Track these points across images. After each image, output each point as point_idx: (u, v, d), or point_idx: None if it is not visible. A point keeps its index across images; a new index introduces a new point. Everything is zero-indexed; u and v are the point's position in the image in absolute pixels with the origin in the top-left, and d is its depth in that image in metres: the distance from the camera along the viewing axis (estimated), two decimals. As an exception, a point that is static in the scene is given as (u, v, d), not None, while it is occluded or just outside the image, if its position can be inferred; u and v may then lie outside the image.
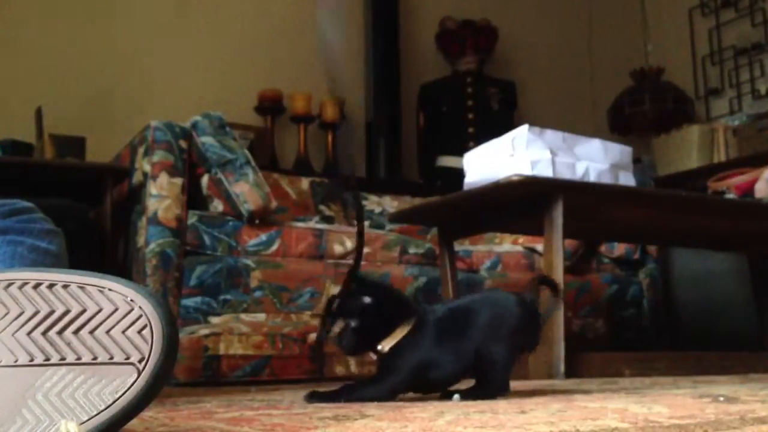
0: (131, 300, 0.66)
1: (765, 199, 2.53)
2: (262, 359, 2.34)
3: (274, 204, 2.48)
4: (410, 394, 1.30)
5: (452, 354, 1.23)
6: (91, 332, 0.66)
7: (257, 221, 2.45)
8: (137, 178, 2.47)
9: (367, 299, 1.23)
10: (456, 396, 1.24)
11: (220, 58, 3.69)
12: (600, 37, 4.80)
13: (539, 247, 2.80)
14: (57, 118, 2.96)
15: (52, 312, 0.67)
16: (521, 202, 2.18)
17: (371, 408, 1.07)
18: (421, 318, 1.25)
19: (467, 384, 1.28)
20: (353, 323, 1.23)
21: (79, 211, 2.53)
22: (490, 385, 1.25)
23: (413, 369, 1.22)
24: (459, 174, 2.43)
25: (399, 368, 1.22)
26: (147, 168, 2.38)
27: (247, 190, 2.41)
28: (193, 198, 2.44)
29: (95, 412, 0.64)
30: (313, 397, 1.23)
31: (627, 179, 2.30)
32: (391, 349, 1.22)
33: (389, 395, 1.22)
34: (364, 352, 1.26)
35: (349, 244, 2.57)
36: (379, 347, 1.22)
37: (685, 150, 4.00)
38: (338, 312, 1.25)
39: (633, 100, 4.31)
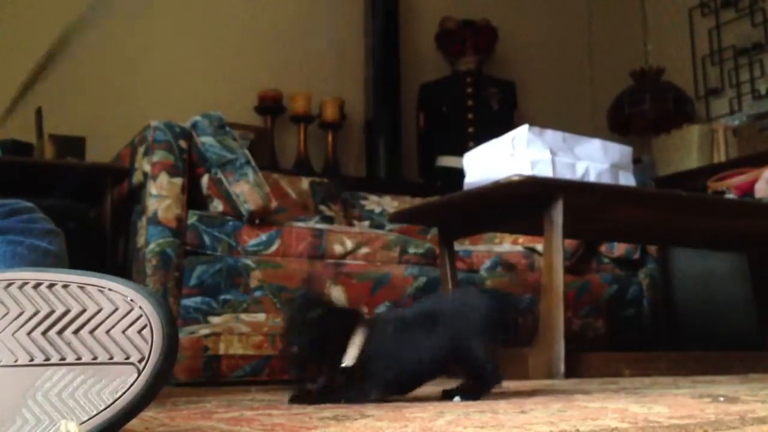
0: (131, 300, 0.66)
1: (765, 199, 2.53)
2: (262, 359, 2.34)
3: (274, 204, 2.48)
4: (410, 395, 1.30)
5: (423, 350, 1.22)
6: (91, 332, 0.66)
7: (257, 221, 2.45)
8: (137, 178, 2.47)
9: (312, 314, 1.22)
10: (457, 398, 1.24)
11: (220, 58, 3.69)
12: (600, 37, 4.80)
13: (539, 247, 2.79)
14: (57, 118, 2.97)
15: (52, 312, 0.67)
16: (521, 202, 2.18)
17: (371, 408, 1.07)
18: (372, 323, 1.24)
19: (458, 383, 1.28)
20: (306, 342, 1.22)
21: (79, 211, 2.53)
22: (482, 379, 1.25)
23: (388, 371, 1.21)
24: (459, 174, 2.42)
25: (374, 374, 1.20)
26: (147, 168, 2.38)
27: (247, 190, 2.41)
28: (193, 198, 2.44)
29: (95, 412, 0.64)
30: (294, 400, 1.22)
31: (627, 179, 2.30)
32: (357, 360, 1.20)
33: (375, 398, 1.21)
34: (329, 372, 1.22)
35: (350, 244, 2.57)
36: (344, 364, 1.20)
37: (685, 150, 4.00)
38: (291, 338, 1.25)
39: (633, 100, 4.30)
